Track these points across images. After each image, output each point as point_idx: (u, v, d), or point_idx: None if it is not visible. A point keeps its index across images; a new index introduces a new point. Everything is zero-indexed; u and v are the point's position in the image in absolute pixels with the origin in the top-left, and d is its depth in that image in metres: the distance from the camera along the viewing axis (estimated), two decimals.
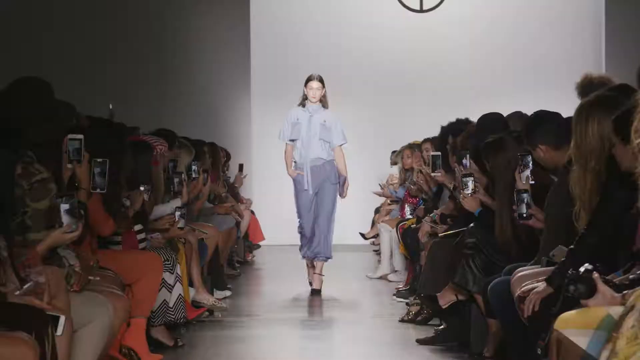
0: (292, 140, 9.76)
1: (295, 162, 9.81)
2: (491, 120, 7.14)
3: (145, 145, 6.98)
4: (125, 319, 5.25)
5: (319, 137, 9.67)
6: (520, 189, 5.50)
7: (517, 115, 7.52)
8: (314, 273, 9.70)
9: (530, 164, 5.53)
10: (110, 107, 8.72)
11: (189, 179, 8.26)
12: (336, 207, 9.88)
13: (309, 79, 9.75)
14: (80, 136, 4.89)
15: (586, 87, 8.18)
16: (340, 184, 9.78)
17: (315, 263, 9.73)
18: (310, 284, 9.69)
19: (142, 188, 6.61)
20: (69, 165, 4.91)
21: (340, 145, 9.76)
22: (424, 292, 7.08)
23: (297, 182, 9.81)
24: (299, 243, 9.99)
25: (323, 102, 9.73)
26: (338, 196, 9.82)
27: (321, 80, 9.68)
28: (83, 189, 5.01)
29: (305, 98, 9.74)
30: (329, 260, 9.78)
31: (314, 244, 9.73)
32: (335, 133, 9.71)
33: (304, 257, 9.91)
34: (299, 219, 9.94)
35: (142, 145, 6.93)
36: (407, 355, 6.59)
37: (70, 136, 4.88)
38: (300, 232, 9.99)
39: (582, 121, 4.48)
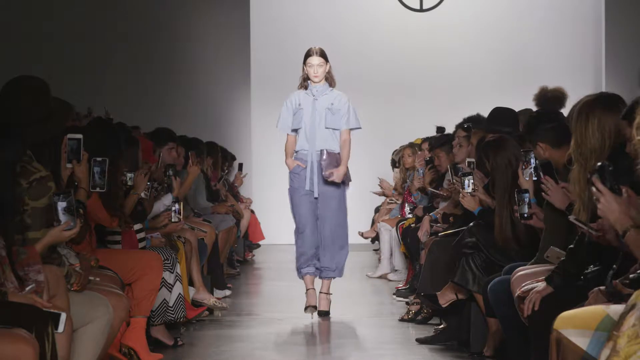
0: (295, 131, 7.99)
1: (296, 151, 8.01)
2: (503, 113, 7.08)
3: (132, 138, 6.89)
4: (125, 318, 5.25)
5: (326, 124, 7.90)
6: (520, 190, 5.51)
7: (528, 112, 7.52)
8: (320, 292, 8.11)
9: (533, 161, 5.54)
10: (105, 109, 8.69)
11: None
12: (346, 212, 8.13)
13: (308, 54, 7.96)
14: (80, 136, 4.89)
15: (541, 98, 8.32)
16: (331, 165, 7.88)
17: (322, 281, 8.15)
18: (306, 308, 8.06)
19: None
20: (68, 165, 4.90)
21: (350, 130, 7.97)
22: (424, 291, 7.08)
23: (294, 176, 8.00)
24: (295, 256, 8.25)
25: (329, 80, 7.98)
26: (347, 199, 8.10)
27: (323, 55, 7.93)
28: (82, 189, 5.01)
29: (306, 78, 7.99)
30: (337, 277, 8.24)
31: (321, 260, 8.07)
32: (344, 116, 7.92)
33: (301, 273, 8.16)
34: (296, 225, 8.12)
35: (131, 137, 6.84)
36: (406, 355, 6.59)
37: (69, 136, 4.88)
38: (297, 242, 8.15)
39: (582, 120, 4.49)
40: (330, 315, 8.09)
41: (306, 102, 7.95)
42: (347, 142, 7.94)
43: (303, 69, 7.99)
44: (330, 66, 7.96)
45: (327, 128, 7.91)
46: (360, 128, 8.06)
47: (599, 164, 3.64)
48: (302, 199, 7.99)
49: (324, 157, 7.87)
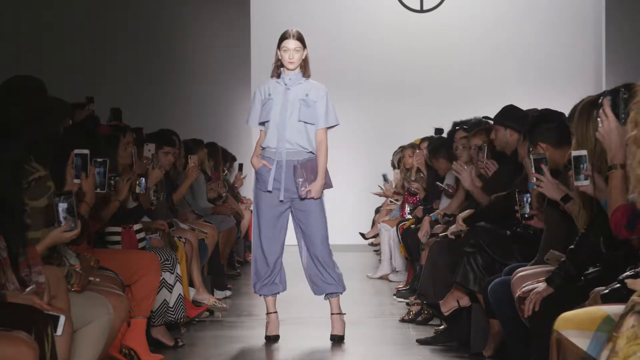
0: (263, 124, 6.94)
1: (263, 149, 6.93)
2: (514, 111, 7.02)
3: (112, 136, 6.81)
4: (125, 319, 5.25)
5: (299, 117, 6.83)
6: (521, 190, 5.51)
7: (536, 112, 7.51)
8: (332, 314, 7.13)
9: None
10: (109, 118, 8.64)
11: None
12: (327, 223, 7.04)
13: (283, 37, 6.90)
14: (86, 151, 4.89)
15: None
16: (308, 180, 6.82)
17: (329, 301, 7.16)
18: (268, 338, 7.07)
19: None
20: (76, 181, 4.88)
21: (327, 128, 6.91)
22: (425, 292, 7.09)
23: (259, 177, 6.91)
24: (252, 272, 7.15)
25: (304, 69, 6.92)
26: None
27: (301, 39, 6.86)
28: (85, 202, 5.00)
29: (280, 65, 6.96)
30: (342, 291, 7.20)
31: (324, 276, 7.04)
32: (321, 111, 6.86)
33: (258, 292, 7.14)
34: (254, 238, 7.06)
35: (109, 136, 6.75)
36: (407, 355, 6.59)
37: (76, 151, 4.88)
38: (254, 258, 7.08)
39: (583, 120, 4.49)
40: (327, 317, 7.22)
41: (277, 91, 6.89)
42: (323, 144, 6.87)
43: (277, 53, 6.94)
44: (307, 54, 6.90)
45: (300, 121, 6.84)
46: (338, 124, 6.99)
47: (614, 88, 3.60)
48: (265, 203, 6.93)
49: (299, 171, 6.83)
